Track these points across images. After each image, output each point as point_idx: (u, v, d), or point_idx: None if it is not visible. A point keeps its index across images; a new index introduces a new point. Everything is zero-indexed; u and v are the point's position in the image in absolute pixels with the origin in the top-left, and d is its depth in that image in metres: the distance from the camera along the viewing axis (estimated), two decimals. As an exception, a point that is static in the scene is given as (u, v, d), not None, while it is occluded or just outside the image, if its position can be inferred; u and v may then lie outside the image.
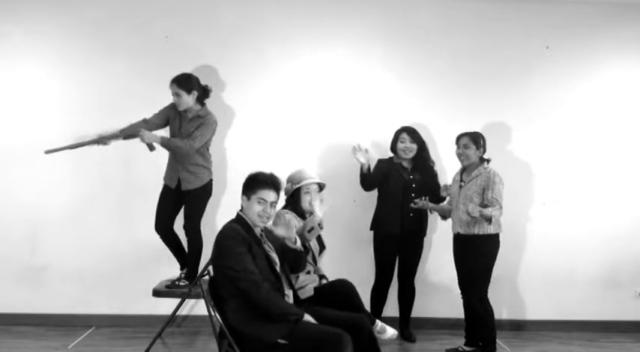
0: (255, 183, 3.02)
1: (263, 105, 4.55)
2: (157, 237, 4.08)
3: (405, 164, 4.26)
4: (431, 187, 4.24)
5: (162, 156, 4.11)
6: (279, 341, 2.77)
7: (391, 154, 4.34)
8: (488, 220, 3.73)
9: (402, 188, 4.20)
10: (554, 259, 4.68)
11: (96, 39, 4.47)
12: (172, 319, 4.11)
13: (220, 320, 2.89)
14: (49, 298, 4.47)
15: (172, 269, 4.24)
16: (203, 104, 4.07)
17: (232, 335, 2.84)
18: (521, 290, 4.69)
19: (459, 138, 3.98)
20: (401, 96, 4.60)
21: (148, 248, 4.32)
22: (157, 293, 4.03)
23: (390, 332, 3.26)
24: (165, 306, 4.26)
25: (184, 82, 3.93)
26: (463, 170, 4.02)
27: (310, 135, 4.56)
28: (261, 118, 4.55)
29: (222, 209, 4.53)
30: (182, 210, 4.13)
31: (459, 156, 3.97)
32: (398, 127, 4.28)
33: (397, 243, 4.24)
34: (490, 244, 3.86)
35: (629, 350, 4.33)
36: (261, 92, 4.55)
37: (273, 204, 3.01)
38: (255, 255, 2.91)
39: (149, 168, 4.31)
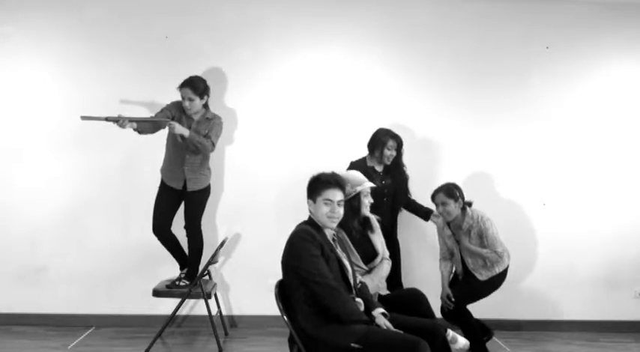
0: (319, 184, 2.92)
1: (262, 104, 4.55)
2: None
3: (378, 168, 4.19)
4: (402, 192, 4.19)
5: (160, 156, 4.14)
6: (352, 345, 2.69)
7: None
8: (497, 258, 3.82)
9: (374, 193, 4.12)
10: (555, 259, 4.67)
11: (96, 39, 4.47)
12: (172, 319, 4.12)
13: (290, 325, 2.81)
14: (49, 298, 4.47)
15: (172, 269, 4.26)
16: (206, 105, 4.07)
17: (303, 340, 2.77)
18: (522, 290, 4.68)
19: (433, 197, 3.92)
20: (400, 95, 4.60)
21: (148, 248, 4.32)
22: (157, 293, 4.04)
23: (462, 341, 3.15)
24: (165, 306, 4.27)
25: (199, 89, 3.89)
26: (449, 222, 3.98)
27: (309, 135, 4.56)
28: (260, 118, 4.55)
29: (221, 209, 4.54)
30: (179, 212, 4.14)
31: (441, 214, 3.92)
32: (384, 128, 4.17)
33: None
34: (503, 276, 3.89)
35: (629, 350, 4.33)
36: (261, 91, 4.55)
37: (340, 202, 2.92)
38: (328, 259, 2.83)
39: (149, 168, 4.31)
